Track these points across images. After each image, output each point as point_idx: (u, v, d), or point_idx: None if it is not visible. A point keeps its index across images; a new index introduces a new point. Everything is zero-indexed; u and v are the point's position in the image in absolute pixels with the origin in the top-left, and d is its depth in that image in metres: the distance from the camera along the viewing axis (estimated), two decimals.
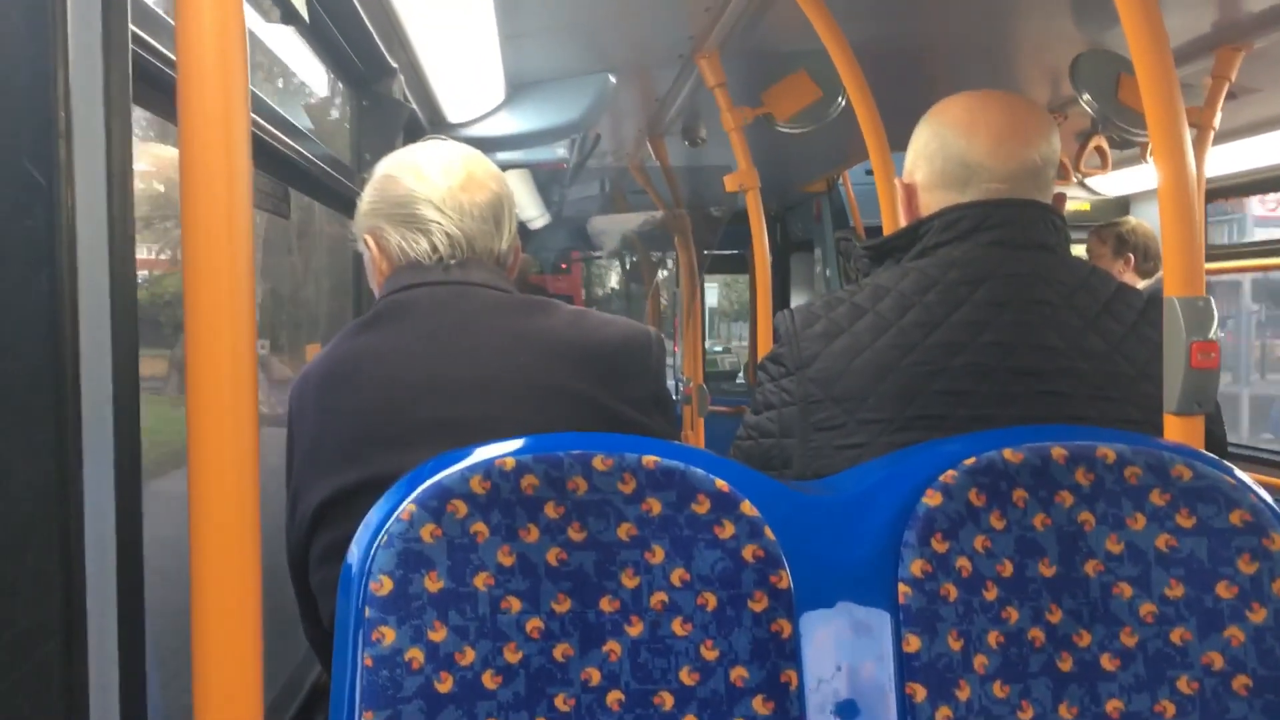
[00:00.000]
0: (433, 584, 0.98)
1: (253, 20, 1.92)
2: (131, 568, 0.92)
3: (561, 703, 0.99)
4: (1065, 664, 1.04)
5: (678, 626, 1.02)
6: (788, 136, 3.00)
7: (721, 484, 1.04)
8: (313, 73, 2.43)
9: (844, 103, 2.77)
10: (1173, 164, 1.35)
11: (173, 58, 0.83)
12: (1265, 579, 1.06)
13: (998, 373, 1.33)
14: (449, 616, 0.98)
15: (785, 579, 1.03)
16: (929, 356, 1.33)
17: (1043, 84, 3.29)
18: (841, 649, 1.03)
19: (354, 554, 1.00)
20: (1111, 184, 4.70)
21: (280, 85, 2.44)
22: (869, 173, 2.71)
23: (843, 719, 1.02)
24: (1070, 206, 1.46)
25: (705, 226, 5.65)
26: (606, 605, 1.01)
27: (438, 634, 0.98)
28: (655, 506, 1.03)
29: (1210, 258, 4.13)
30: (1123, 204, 5.02)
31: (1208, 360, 1.31)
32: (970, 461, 1.06)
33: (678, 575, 1.02)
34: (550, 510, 1.01)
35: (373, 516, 1.01)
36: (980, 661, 1.03)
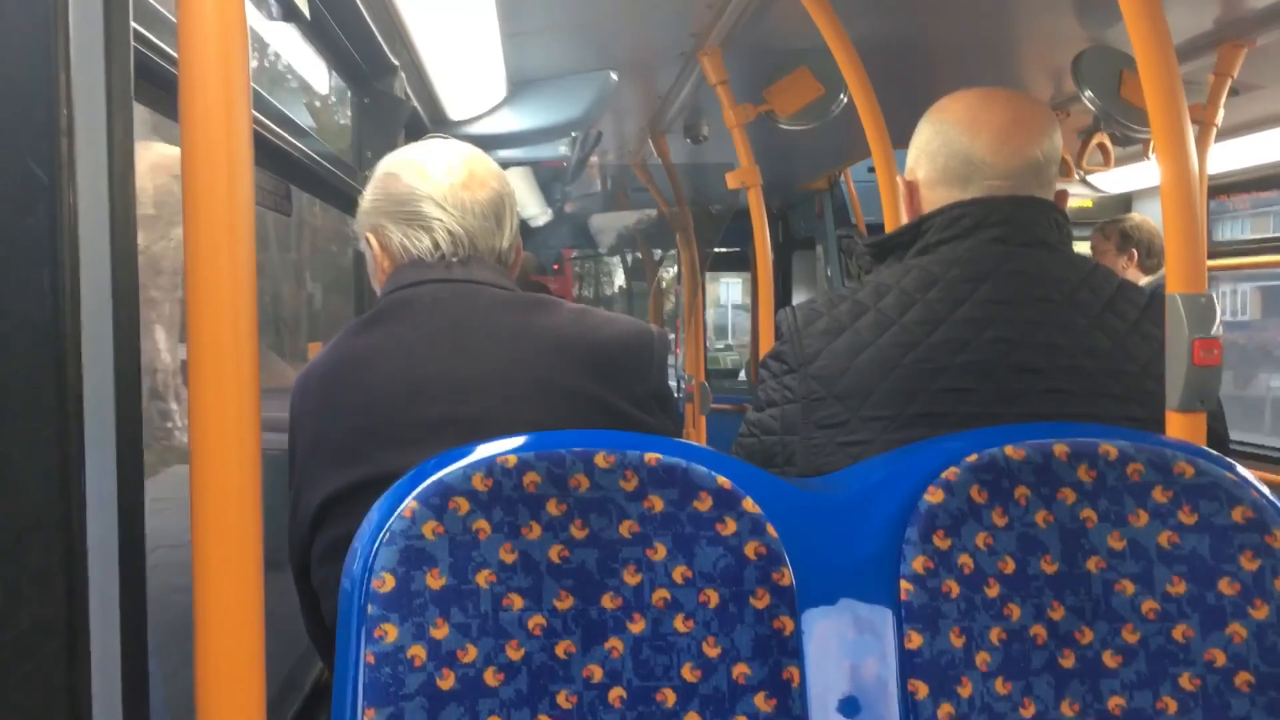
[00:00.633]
0: (435, 581, 0.98)
1: (254, 18, 1.92)
2: (133, 566, 0.92)
3: (564, 700, 0.99)
4: (1067, 661, 1.04)
5: (680, 623, 1.02)
6: (790, 133, 3.00)
7: (723, 481, 1.04)
8: (314, 70, 2.43)
9: (846, 100, 2.77)
10: (1175, 161, 1.35)
11: (174, 55, 0.83)
12: (1267, 575, 1.06)
13: (1000, 370, 1.33)
14: (451, 614, 0.98)
15: (787, 576, 1.03)
16: (931, 354, 1.33)
17: (1045, 81, 3.29)
18: (844, 646, 1.03)
19: (356, 551, 1.00)
20: (1114, 181, 4.70)
21: (286, 83, 2.44)
22: (871, 170, 2.71)
23: (845, 716, 1.02)
24: (1073, 204, 1.46)
25: (707, 224, 5.65)
26: (608, 602, 1.01)
27: (440, 631, 0.98)
28: (657, 504, 1.03)
29: (1213, 254, 4.13)
30: (1125, 201, 5.02)
31: (1210, 357, 1.31)
32: (972, 458, 1.06)
33: (679, 572, 1.02)
34: (552, 507, 1.01)
35: (375, 514, 1.01)
36: (982, 658, 1.03)
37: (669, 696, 1.01)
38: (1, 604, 0.80)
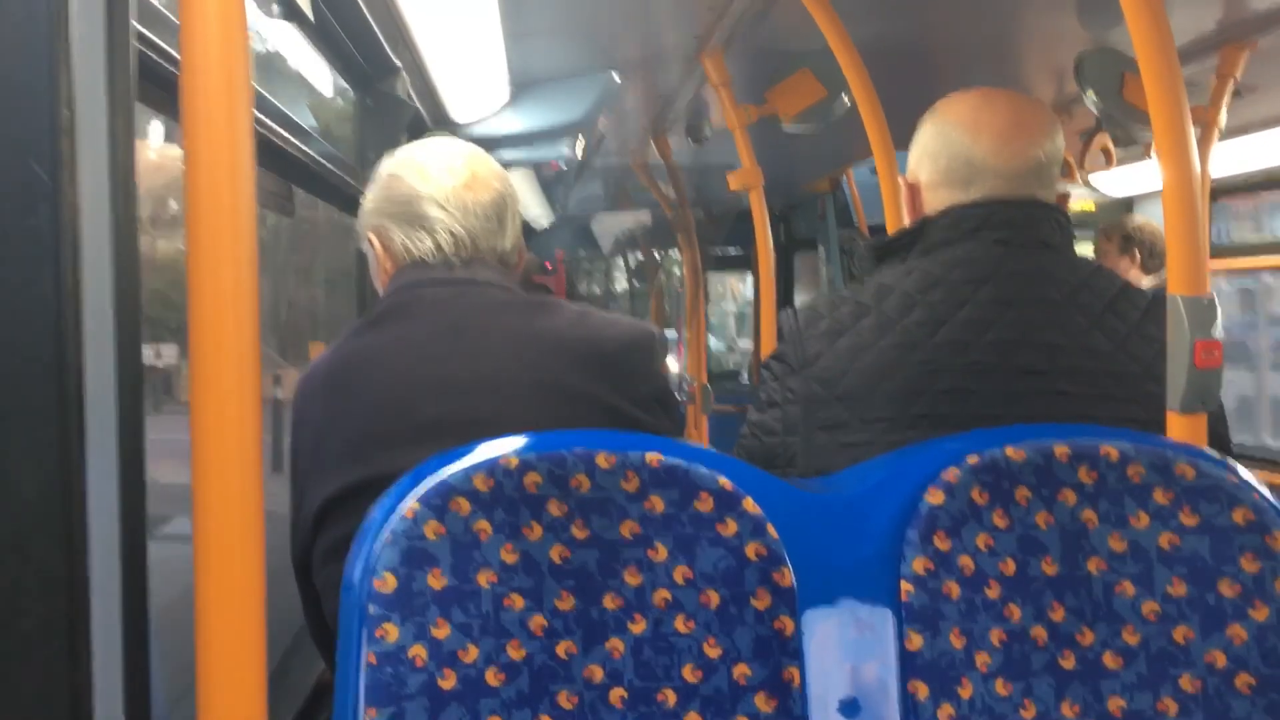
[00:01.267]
0: (436, 581, 0.98)
1: (256, 18, 1.93)
2: (135, 566, 0.92)
3: (564, 700, 0.99)
4: (1068, 662, 1.04)
5: (680, 624, 1.02)
6: (792, 135, 3.00)
7: (724, 482, 1.04)
8: (317, 71, 2.43)
9: (848, 102, 2.77)
10: (1177, 162, 1.35)
11: (176, 55, 0.84)
12: (1268, 577, 1.05)
13: (1001, 372, 1.33)
14: (452, 614, 0.98)
15: (788, 577, 1.03)
16: (933, 355, 1.33)
17: (1047, 82, 3.29)
18: (844, 647, 1.03)
19: (357, 551, 1.00)
20: (1115, 183, 4.69)
21: (288, 83, 2.45)
22: (873, 171, 2.71)
23: (845, 716, 1.02)
24: (1074, 206, 1.46)
25: (709, 225, 5.65)
26: (609, 603, 1.01)
27: (441, 631, 0.98)
28: (658, 504, 1.03)
29: (1215, 255, 4.13)
30: (1127, 204, 5.02)
31: (1211, 359, 1.31)
32: (973, 460, 1.06)
33: (680, 573, 1.02)
34: (553, 508, 1.01)
35: (376, 514, 1.01)
36: (982, 659, 1.03)
37: (670, 697, 1.01)
38: (3, 604, 0.81)
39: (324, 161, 2.08)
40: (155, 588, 1.00)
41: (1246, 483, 1.08)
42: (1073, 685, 1.03)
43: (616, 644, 1.01)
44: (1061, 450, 1.07)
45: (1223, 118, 2.72)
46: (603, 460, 1.03)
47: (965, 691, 1.02)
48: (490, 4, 2.33)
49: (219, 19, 0.82)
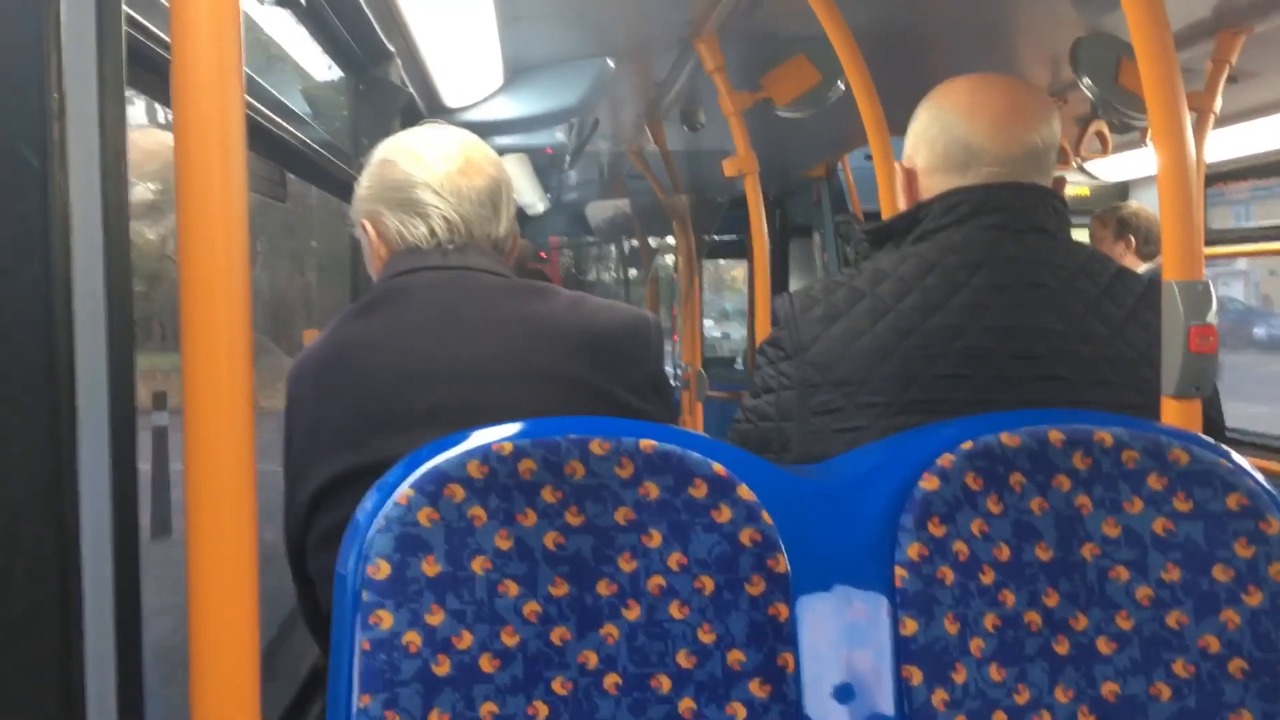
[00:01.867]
0: (430, 568, 0.98)
1: (248, 2, 1.91)
2: (128, 554, 0.92)
3: (559, 686, 0.99)
4: (1061, 647, 1.04)
5: (675, 610, 1.02)
6: (787, 121, 2.99)
7: (719, 468, 1.04)
8: (309, 55, 2.42)
9: (843, 87, 2.76)
10: (1172, 148, 1.35)
11: (167, 39, 0.83)
12: (1261, 563, 1.06)
13: (997, 357, 1.33)
14: (446, 600, 0.98)
15: (782, 563, 1.04)
16: (928, 340, 1.33)
17: (1043, 68, 3.28)
18: (838, 632, 1.04)
19: (351, 538, 1.00)
20: (1111, 169, 4.69)
21: (281, 68, 2.43)
22: (868, 158, 2.70)
23: (839, 702, 1.02)
24: (1069, 192, 1.46)
25: (704, 211, 5.64)
26: (604, 589, 1.01)
27: (435, 617, 0.98)
28: (653, 490, 1.03)
29: (1209, 242, 4.13)
30: (1122, 189, 5.02)
31: (1206, 344, 1.31)
32: (967, 445, 1.06)
33: (675, 559, 1.02)
34: (548, 494, 1.01)
35: (370, 501, 1.01)
36: (977, 645, 1.03)
37: (664, 683, 1.01)
38: None
39: (317, 147, 2.07)
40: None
41: (1240, 468, 1.08)
42: (1066, 670, 1.04)
43: (611, 630, 1.01)
44: (1056, 436, 1.07)
45: (1218, 104, 2.71)
46: (597, 447, 1.02)
47: (959, 676, 1.03)
48: None
49: (210, 3, 0.81)
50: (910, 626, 1.03)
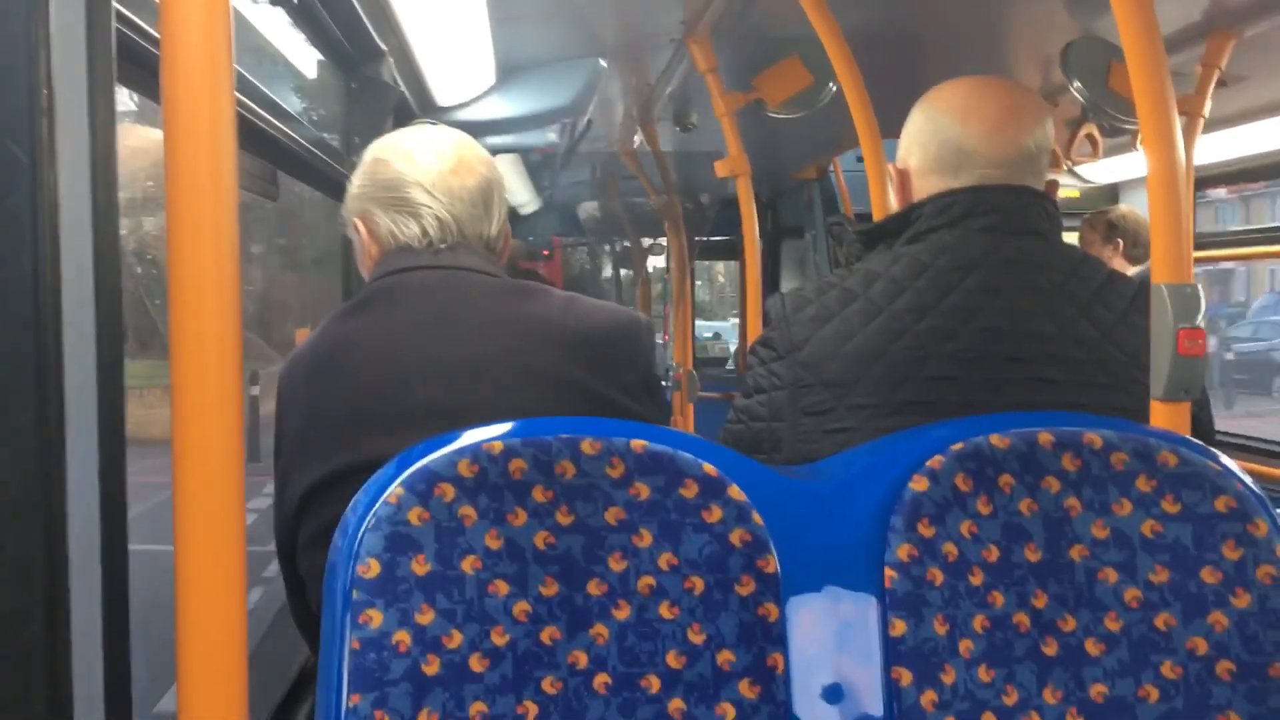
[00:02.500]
0: (420, 567, 0.98)
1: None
2: (116, 551, 0.92)
3: (549, 685, 0.99)
4: (1050, 649, 1.04)
5: (665, 610, 1.02)
6: (779, 122, 2.99)
7: (709, 468, 1.04)
8: (301, 53, 2.42)
9: (835, 89, 2.77)
10: (1162, 152, 1.35)
11: (157, 36, 0.83)
12: (1249, 565, 1.06)
13: (988, 359, 1.33)
14: (436, 599, 0.98)
15: (772, 563, 1.04)
16: (919, 342, 1.33)
17: (1034, 71, 3.29)
18: (828, 633, 1.04)
19: (341, 537, 0.99)
20: (1101, 171, 4.71)
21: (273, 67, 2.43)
22: (860, 160, 2.70)
23: (829, 702, 1.02)
24: (1059, 194, 1.47)
25: (696, 212, 5.64)
26: (594, 589, 1.01)
27: (425, 617, 0.98)
28: (643, 491, 1.03)
29: (1199, 245, 4.14)
30: (1112, 192, 5.03)
31: (1195, 347, 1.32)
32: (957, 447, 1.07)
33: (665, 559, 1.02)
34: (538, 494, 1.01)
35: (360, 500, 1.01)
36: (966, 646, 1.04)
37: (653, 683, 1.01)
38: None
39: (308, 145, 2.07)
40: None
41: (1229, 470, 1.08)
42: (1055, 671, 1.04)
43: (601, 630, 1.01)
44: (1045, 438, 1.07)
45: (1208, 107, 2.72)
46: (588, 446, 1.02)
47: (948, 678, 1.03)
48: None
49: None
50: (899, 627, 1.03)
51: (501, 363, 1.33)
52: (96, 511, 0.89)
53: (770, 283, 6.45)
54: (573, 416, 1.16)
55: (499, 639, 0.99)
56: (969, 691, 1.03)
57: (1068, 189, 5.02)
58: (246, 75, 1.75)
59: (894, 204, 1.52)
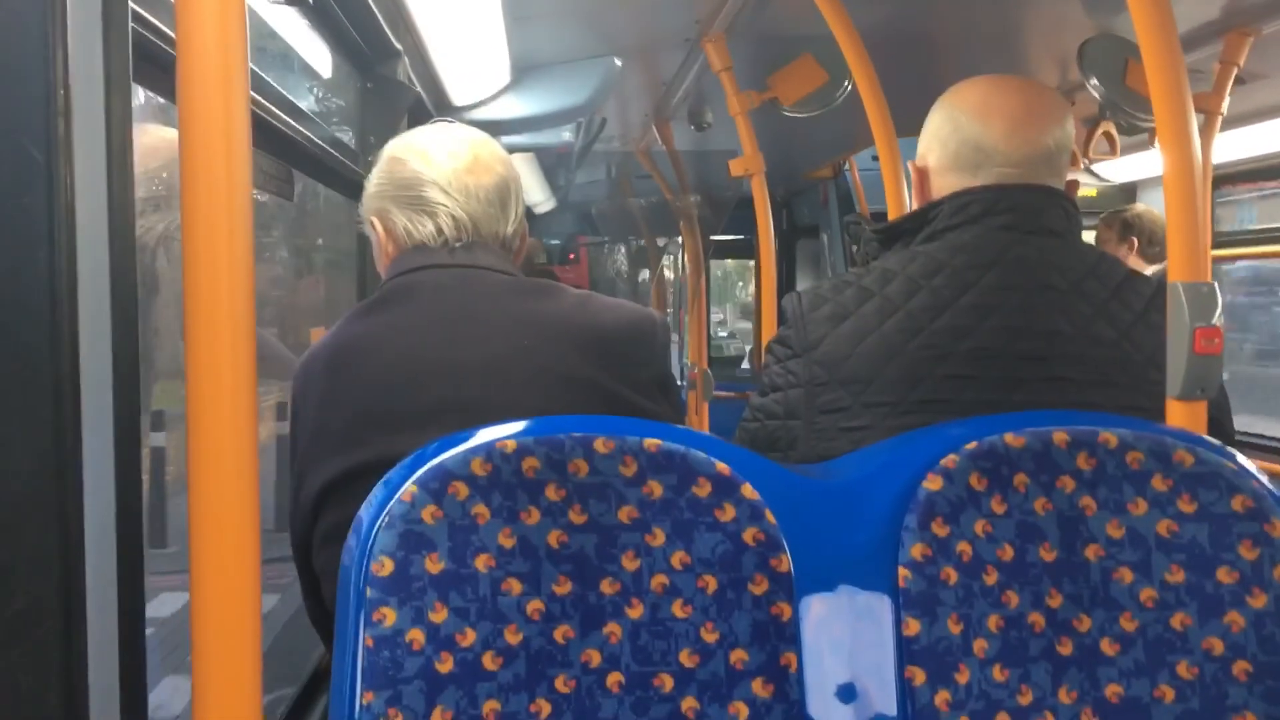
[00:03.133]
0: (433, 565, 0.98)
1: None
2: (131, 547, 0.92)
3: (562, 684, 0.99)
4: (1065, 648, 1.04)
5: (678, 609, 1.02)
6: (794, 121, 2.99)
7: (722, 467, 1.04)
8: (317, 53, 2.42)
9: (850, 88, 2.76)
10: (1179, 150, 1.35)
11: (173, 36, 0.83)
12: (1266, 565, 1.05)
13: (1004, 358, 1.32)
14: (450, 598, 0.98)
15: (785, 562, 1.03)
16: (935, 340, 1.33)
17: (1050, 69, 3.28)
18: (841, 632, 1.03)
19: (355, 535, 1.00)
20: (1118, 170, 4.68)
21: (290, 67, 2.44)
22: (875, 159, 2.70)
23: (842, 702, 1.02)
24: (1077, 193, 1.46)
25: (711, 212, 5.64)
26: (607, 587, 1.01)
27: (438, 615, 0.98)
28: (656, 489, 1.03)
29: (1216, 244, 4.12)
30: (1129, 191, 5.01)
31: (1211, 346, 1.31)
32: (972, 446, 1.06)
33: (678, 558, 1.02)
34: (551, 492, 1.01)
35: (374, 498, 1.01)
36: (980, 645, 1.03)
37: (667, 682, 1.01)
38: None
39: (324, 145, 2.08)
40: None
41: (1245, 470, 1.07)
42: (1070, 671, 1.03)
43: (614, 629, 1.01)
44: (1060, 437, 1.07)
45: (1225, 105, 2.70)
46: (601, 445, 1.02)
47: (962, 677, 1.02)
48: None
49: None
50: (913, 627, 1.03)
51: (516, 361, 1.33)
52: (112, 507, 0.90)
53: (785, 282, 6.44)
54: (586, 415, 1.16)
55: (512, 637, 0.99)
56: (983, 691, 1.02)
57: (1086, 188, 4.99)
58: (262, 74, 1.76)
59: (911, 202, 1.51)
